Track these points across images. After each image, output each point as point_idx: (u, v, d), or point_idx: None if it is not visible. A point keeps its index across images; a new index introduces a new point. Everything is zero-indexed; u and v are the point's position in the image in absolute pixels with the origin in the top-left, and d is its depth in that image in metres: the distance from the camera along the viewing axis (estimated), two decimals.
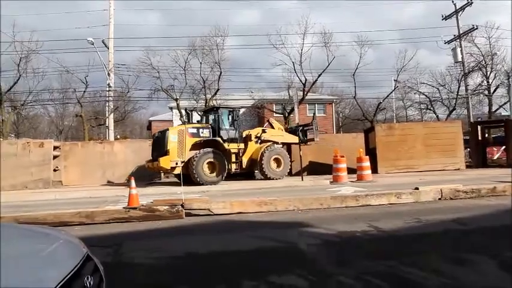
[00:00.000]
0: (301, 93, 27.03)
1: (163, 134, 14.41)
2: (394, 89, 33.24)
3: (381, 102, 32.32)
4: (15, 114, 29.12)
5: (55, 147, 16.50)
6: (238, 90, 32.96)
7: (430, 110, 36.69)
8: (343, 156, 12.40)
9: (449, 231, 5.09)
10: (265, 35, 35.94)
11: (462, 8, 26.89)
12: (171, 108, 33.68)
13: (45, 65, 27.97)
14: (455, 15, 27.44)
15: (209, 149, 13.74)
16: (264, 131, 15.52)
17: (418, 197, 7.46)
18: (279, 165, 14.86)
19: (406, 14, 67.55)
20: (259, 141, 15.19)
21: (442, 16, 28.17)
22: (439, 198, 7.56)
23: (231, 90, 31.05)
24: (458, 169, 15.80)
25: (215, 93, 28.06)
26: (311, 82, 28.74)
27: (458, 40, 27.80)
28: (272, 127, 16.44)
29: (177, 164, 13.50)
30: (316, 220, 6.03)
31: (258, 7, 70.39)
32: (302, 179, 13.29)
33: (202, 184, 13.07)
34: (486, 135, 18.65)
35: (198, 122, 15.22)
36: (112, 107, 25.16)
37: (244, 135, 15.26)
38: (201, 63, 27.72)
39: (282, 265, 3.91)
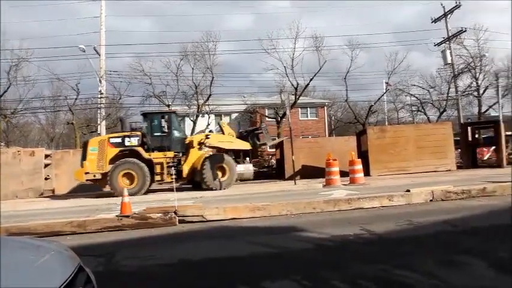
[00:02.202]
0: (293, 97, 27.18)
1: (84, 145, 14.10)
2: (386, 91, 33.55)
3: (372, 105, 32.58)
4: (5, 122, 28.86)
5: (46, 156, 16.39)
6: (231, 95, 33.04)
7: (421, 111, 37.11)
8: (335, 160, 12.44)
9: (440, 233, 5.14)
10: (257, 40, 36.11)
11: (451, 11, 27.27)
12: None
13: (36, 73, 27.81)
14: (444, 18, 27.81)
15: (127, 160, 13.28)
16: (207, 137, 14.54)
17: (410, 199, 7.52)
18: (223, 174, 13.95)
19: (398, 17, 68.27)
20: (205, 148, 14.32)
21: (432, 19, 28.55)
22: (431, 200, 7.61)
23: (223, 95, 31.12)
24: (449, 170, 15.94)
25: (207, 99, 28.12)
26: (303, 86, 28.90)
27: (447, 42, 28.16)
28: (222, 132, 15.68)
29: (95, 176, 13.35)
30: (309, 224, 6.05)
31: (249, 11, 70.68)
32: (295, 183, 13.31)
33: (117, 196, 12.41)
34: (476, 136, 18.83)
35: (132, 129, 14.65)
36: (104, 114, 25.07)
37: (187, 142, 14.59)
38: (193, 68, 27.87)
39: (275, 270, 3.93)
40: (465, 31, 28.16)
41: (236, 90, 44.71)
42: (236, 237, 5.70)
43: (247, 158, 24.17)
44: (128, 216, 6.75)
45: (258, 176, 20.02)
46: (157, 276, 4.09)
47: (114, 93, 28.15)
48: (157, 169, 13.73)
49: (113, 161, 13.46)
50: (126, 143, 13.73)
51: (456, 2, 26.84)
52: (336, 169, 12.27)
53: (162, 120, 14.26)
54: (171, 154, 13.99)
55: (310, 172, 16.21)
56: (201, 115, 29.06)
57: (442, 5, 27.55)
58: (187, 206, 7.23)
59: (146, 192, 13.35)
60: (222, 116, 38.46)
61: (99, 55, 23.55)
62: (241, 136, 15.96)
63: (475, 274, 3.45)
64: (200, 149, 14.25)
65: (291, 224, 6.25)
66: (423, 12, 56.70)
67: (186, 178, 14.26)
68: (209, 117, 29.70)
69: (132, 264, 4.52)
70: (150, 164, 13.55)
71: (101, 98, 24.20)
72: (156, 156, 13.82)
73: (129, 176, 13.25)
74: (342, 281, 3.41)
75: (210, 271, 4.11)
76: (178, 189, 13.89)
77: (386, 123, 36.92)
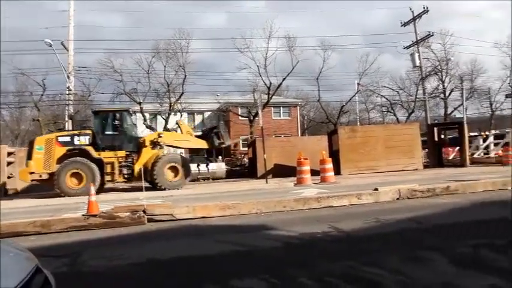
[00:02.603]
0: (266, 96, 27.31)
1: (30, 143, 13.63)
2: (356, 92, 34.20)
3: (344, 105, 33.15)
4: None
5: (9, 153, 15.74)
6: (204, 94, 32.81)
7: (390, 112, 38.11)
8: (306, 159, 12.59)
9: (406, 230, 5.29)
10: (231, 38, 36.03)
11: (419, 16, 28.08)
12: (135, 112, 33.03)
13: None
14: (413, 22, 28.59)
15: (76, 159, 12.90)
16: (160, 136, 14.27)
17: (378, 198, 7.69)
18: (176, 174, 13.67)
19: (370, 20, 69.78)
20: (159, 147, 14.04)
21: (401, 23, 29.31)
22: (397, 198, 7.81)
23: (196, 94, 30.88)
24: (417, 169, 16.42)
25: (179, 97, 27.82)
26: (276, 85, 29.06)
27: (416, 46, 28.98)
28: (181, 130, 15.50)
29: (41, 176, 12.94)
30: (278, 223, 6.09)
31: (224, 10, 70.39)
32: (267, 182, 13.38)
33: (64, 196, 12.26)
34: (442, 136, 19.49)
35: (82, 127, 14.14)
36: (72, 111, 24.35)
37: (141, 141, 14.27)
38: (165, 66, 27.48)
39: (244, 269, 3.93)
40: (432, 35, 29.11)
41: (209, 88, 44.50)
42: (205, 236, 5.67)
43: (220, 157, 24.10)
44: (95, 216, 6.58)
45: (231, 174, 20.03)
46: (124, 276, 4.01)
47: (83, 90, 27.42)
48: (108, 169, 13.37)
49: (60, 160, 12.98)
50: (76, 142, 13.28)
51: (424, 7, 27.69)
52: (306, 168, 12.40)
53: (114, 118, 13.88)
54: (122, 153, 13.67)
55: (282, 171, 16.31)
56: (173, 113, 28.72)
57: (411, 9, 28.37)
58: (156, 205, 7.12)
59: (97, 192, 12.93)
60: (195, 114, 38.16)
61: (67, 50, 22.83)
62: (202, 135, 15.71)
63: (438, 270, 3.56)
64: (153, 148, 13.95)
65: (261, 223, 6.26)
66: (394, 16, 58.16)
67: (138, 178, 13.74)
68: (181, 115, 29.39)
69: (98, 264, 4.40)
70: (100, 163, 13.17)
71: (69, 94, 23.46)
72: (107, 155, 13.45)
73: (78, 176, 12.81)
74: (310, 278, 3.44)
75: (179, 270, 4.07)
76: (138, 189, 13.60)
77: (358, 123, 37.68)
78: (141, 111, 27.45)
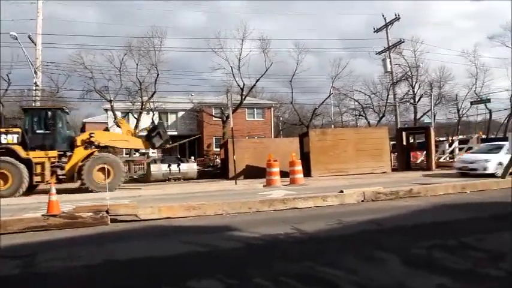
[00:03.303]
0: (239, 97, 27.34)
1: None
2: (329, 95, 34.69)
3: (316, 108, 33.56)
4: None
5: None
6: (178, 93, 32.43)
7: (362, 116, 38.90)
8: (276, 161, 12.66)
9: (366, 231, 5.40)
10: (204, 38, 35.84)
11: (391, 22, 28.78)
12: (106, 110, 32.39)
13: None
14: (385, 29, 29.27)
15: (1, 158, 12.41)
16: (91, 135, 13.86)
17: (343, 200, 7.82)
18: (108, 176, 12.99)
19: (346, 24, 71.06)
20: (93, 147, 13.69)
21: (374, 29, 29.95)
22: (362, 200, 7.98)
23: (169, 93, 30.45)
24: (385, 172, 16.80)
25: (152, 96, 27.42)
26: (250, 87, 29.11)
27: (388, 52, 29.67)
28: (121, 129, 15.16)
29: None
30: (242, 224, 6.11)
31: (200, 9, 69.96)
32: (236, 183, 13.36)
33: None
34: (411, 140, 20.01)
35: (12, 125, 13.67)
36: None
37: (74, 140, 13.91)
38: (137, 64, 26.98)
39: (204, 269, 3.92)
40: (403, 42, 29.86)
41: (183, 88, 44.06)
42: (169, 237, 5.63)
43: (192, 157, 23.93)
44: (55, 216, 6.40)
45: (203, 175, 19.93)
46: (80, 277, 3.93)
47: (51, 86, 26.59)
48: (38, 169, 12.95)
49: None
50: (2, 141, 12.81)
51: (396, 15, 28.41)
52: (276, 170, 12.48)
53: (46, 116, 13.48)
54: (54, 153, 13.28)
55: (254, 172, 16.33)
56: (145, 112, 28.29)
57: (383, 16, 29.04)
58: (120, 205, 6.99)
59: (28, 194, 12.54)
60: (168, 113, 37.71)
61: (35, 44, 22.08)
62: (146, 135, 15.38)
63: (392, 270, 3.66)
64: (86, 148, 13.60)
65: (225, 224, 6.27)
66: (369, 22, 59.49)
67: (68, 179, 13.51)
68: (153, 114, 28.99)
69: (54, 266, 4.29)
70: (29, 163, 12.73)
71: (36, 90, 22.69)
72: (37, 155, 13.04)
73: (3, 177, 12.35)
74: (268, 279, 3.47)
75: (138, 271, 4.01)
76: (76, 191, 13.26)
77: (333, 126, 38.22)
78: (112, 110, 26.90)
